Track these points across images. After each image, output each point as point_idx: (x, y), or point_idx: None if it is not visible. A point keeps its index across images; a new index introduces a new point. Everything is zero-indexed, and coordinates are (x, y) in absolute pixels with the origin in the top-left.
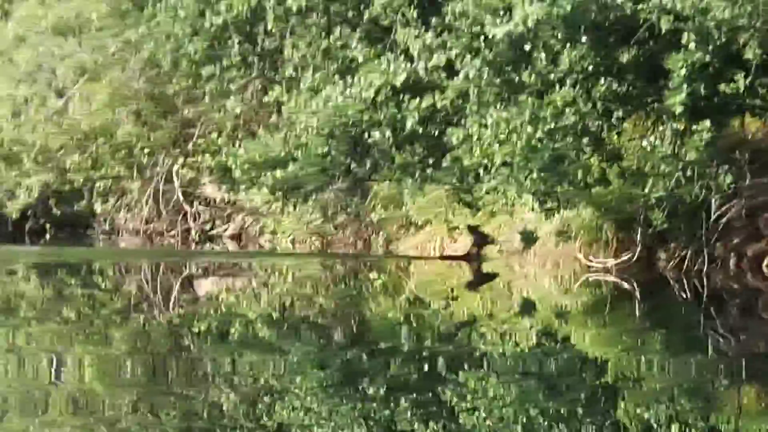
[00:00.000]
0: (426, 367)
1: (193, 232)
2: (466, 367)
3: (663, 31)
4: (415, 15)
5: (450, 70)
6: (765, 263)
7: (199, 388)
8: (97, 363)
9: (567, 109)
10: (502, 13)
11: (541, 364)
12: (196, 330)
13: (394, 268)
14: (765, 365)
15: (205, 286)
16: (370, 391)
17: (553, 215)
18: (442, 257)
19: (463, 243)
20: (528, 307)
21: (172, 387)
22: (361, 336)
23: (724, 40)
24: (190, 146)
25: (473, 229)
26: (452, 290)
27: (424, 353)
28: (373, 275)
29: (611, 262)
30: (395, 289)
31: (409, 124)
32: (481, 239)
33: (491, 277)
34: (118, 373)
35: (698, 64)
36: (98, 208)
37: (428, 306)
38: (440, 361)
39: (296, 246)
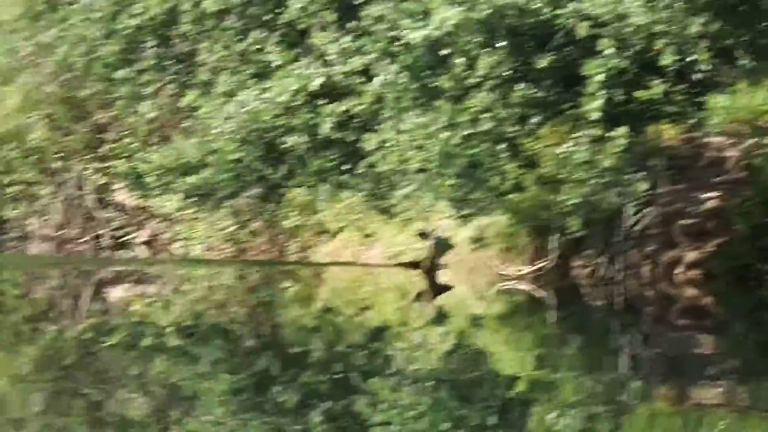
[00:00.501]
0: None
1: (104, 238)
2: (378, 375)
3: (581, 37)
4: (332, 19)
5: (366, 74)
6: (678, 271)
7: (106, 396)
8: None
9: (484, 115)
10: (419, 17)
11: (453, 374)
12: (104, 338)
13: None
14: (676, 371)
15: (114, 294)
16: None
17: (469, 222)
18: (396, 264)
19: (416, 249)
20: (441, 316)
21: (79, 395)
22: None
23: (640, 46)
24: (103, 151)
25: (426, 234)
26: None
27: (331, 360)
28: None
29: (526, 269)
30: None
31: (324, 129)
32: (436, 244)
33: (446, 288)
34: (24, 380)
35: (615, 71)
36: (9, 214)
37: (341, 314)
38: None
39: (209, 253)
